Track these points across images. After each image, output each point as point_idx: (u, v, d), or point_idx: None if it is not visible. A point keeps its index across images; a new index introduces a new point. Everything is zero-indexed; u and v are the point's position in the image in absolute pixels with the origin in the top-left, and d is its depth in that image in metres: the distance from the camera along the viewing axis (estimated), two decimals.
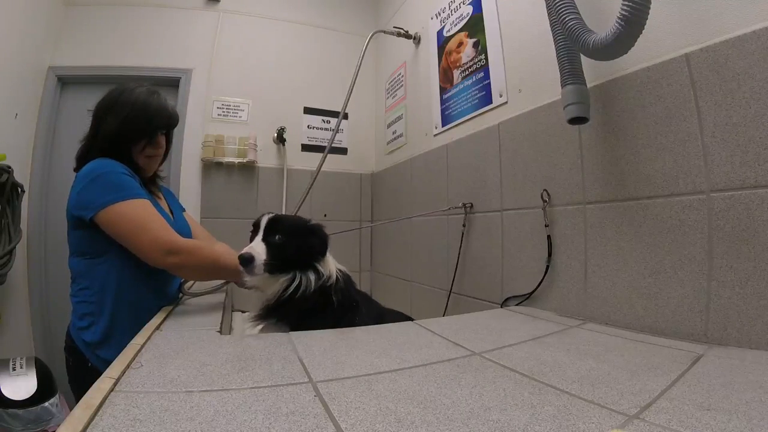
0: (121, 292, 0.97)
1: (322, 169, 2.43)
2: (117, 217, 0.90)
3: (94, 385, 0.49)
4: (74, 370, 0.96)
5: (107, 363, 0.58)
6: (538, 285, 1.13)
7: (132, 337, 0.73)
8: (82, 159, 1.01)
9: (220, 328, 0.89)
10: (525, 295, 1.18)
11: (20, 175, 1.74)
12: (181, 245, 0.94)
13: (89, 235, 0.94)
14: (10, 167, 1.63)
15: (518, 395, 0.50)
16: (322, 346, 0.72)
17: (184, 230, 1.15)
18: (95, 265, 0.97)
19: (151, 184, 1.14)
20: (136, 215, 0.91)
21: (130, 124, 1.01)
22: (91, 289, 0.97)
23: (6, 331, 1.69)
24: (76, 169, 1.00)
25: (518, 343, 0.77)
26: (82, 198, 0.92)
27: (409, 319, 1.08)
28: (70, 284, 1.00)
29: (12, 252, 1.61)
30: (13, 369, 1.21)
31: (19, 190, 1.71)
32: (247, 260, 0.89)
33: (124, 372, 0.55)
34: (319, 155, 2.47)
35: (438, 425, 0.41)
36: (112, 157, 0.98)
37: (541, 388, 0.52)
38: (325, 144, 2.49)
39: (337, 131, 1.93)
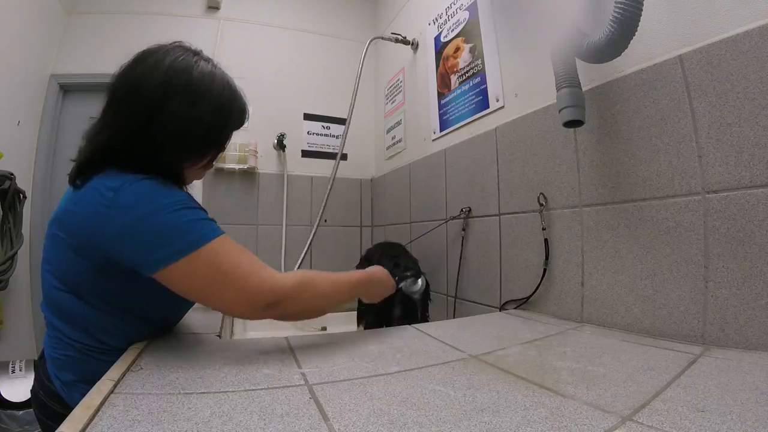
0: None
1: (322, 175, 2.46)
2: (189, 272, 0.61)
3: (94, 386, 0.50)
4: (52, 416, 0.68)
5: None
6: (536, 288, 1.13)
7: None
8: (100, 163, 0.65)
9: (220, 332, 0.90)
10: (523, 298, 1.18)
11: (22, 182, 1.76)
12: (281, 291, 0.66)
13: (121, 283, 0.66)
14: (12, 174, 1.65)
15: (511, 397, 0.50)
16: (319, 350, 0.72)
17: None
18: (109, 315, 0.68)
19: None
20: (215, 264, 0.62)
21: (205, 122, 0.69)
22: (87, 343, 0.68)
23: (8, 335, 1.70)
24: (78, 179, 0.66)
25: (514, 345, 0.77)
26: (135, 243, 0.61)
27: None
28: (54, 324, 0.69)
29: (14, 257, 1.63)
30: (12, 371, 1.22)
31: (21, 196, 1.73)
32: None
33: (124, 374, 0.56)
34: (320, 161, 2.52)
35: (430, 426, 0.41)
36: (155, 171, 0.66)
37: (535, 390, 0.52)
38: (326, 150, 2.51)
39: (345, 138, 1.95)
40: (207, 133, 0.70)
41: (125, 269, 0.63)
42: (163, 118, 0.64)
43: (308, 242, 1.86)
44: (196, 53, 0.72)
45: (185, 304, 0.83)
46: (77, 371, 0.68)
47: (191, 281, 0.62)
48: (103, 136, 0.66)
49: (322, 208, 1.89)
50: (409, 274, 1.13)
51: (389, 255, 1.41)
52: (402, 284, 1.09)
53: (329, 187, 1.89)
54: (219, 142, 0.75)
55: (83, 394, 0.64)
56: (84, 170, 0.66)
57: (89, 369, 0.65)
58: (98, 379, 0.58)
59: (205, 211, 0.67)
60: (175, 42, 0.72)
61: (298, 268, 1.61)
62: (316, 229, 1.84)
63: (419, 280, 1.15)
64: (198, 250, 0.61)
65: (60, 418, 0.40)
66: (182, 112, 0.66)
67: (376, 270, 0.91)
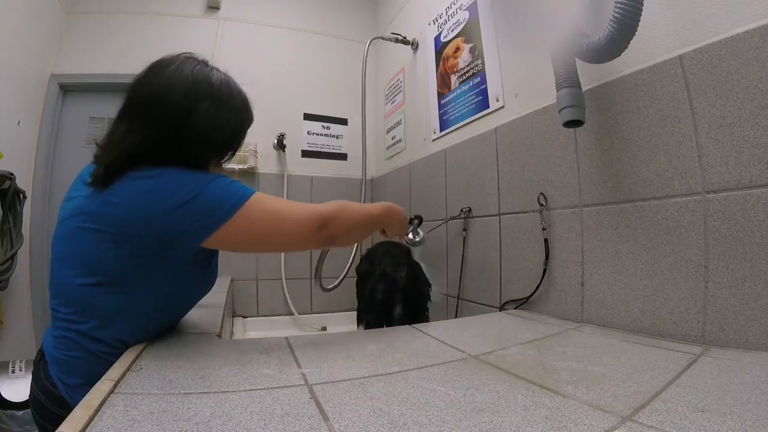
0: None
1: (321, 175, 2.45)
2: (251, 219, 0.69)
3: (94, 386, 0.50)
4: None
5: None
6: (536, 288, 1.13)
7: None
8: (128, 162, 0.68)
9: (220, 332, 0.90)
10: (523, 298, 1.18)
11: (22, 182, 1.76)
12: (325, 213, 0.76)
13: (158, 268, 0.70)
14: (12, 174, 1.64)
15: (512, 397, 0.50)
16: (319, 350, 0.72)
17: None
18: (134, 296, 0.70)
19: None
20: (264, 210, 0.71)
21: (231, 123, 0.77)
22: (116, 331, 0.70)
23: (8, 335, 1.70)
24: (107, 178, 0.67)
25: (514, 345, 0.77)
26: (193, 212, 0.66)
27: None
28: (69, 321, 0.69)
29: (14, 257, 1.63)
30: (12, 371, 1.22)
31: (21, 196, 1.73)
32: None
33: (124, 374, 0.56)
34: (320, 161, 2.52)
35: (430, 426, 0.41)
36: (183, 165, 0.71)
37: (535, 390, 0.52)
38: (326, 150, 2.51)
39: (364, 136, 1.94)
40: (232, 132, 0.79)
41: (165, 254, 0.69)
42: (194, 122, 0.71)
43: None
44: (207, 63, 0.79)
45: (199, 293, 0.87)
46: (85, 374, 0.67)
47: (253, 227, 0.70)
48: (131, 141, 0.69)
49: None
50: (411, 226, 1.33)
51: (390, 255, 1.44)
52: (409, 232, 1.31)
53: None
54: (240, 139, 0.82)
55: None
56: (114, 171, 0.68)
57: (98, 372, 0.64)
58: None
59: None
60: (183, 53, 0.78)
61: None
62: None
63: (421, 233, 1.36)
64: (249, 200, 0.69)
65: (58, 420, 0.40)
66: (211, 115, 0.73)
67: (393, 204, 0.96)
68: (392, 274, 1.32)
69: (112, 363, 0.65)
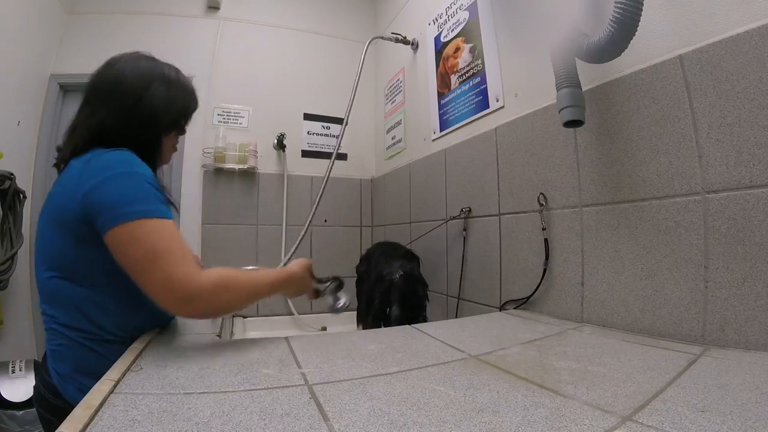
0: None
1: (322, 175, 2.42)
2: (134, 237, 0.65)
3: (94, 386, 0.50)
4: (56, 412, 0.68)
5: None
6: (536, 288, 1.13)
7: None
8: (91, 142, 0.74)
9: (220, 332, 0.90)
10: (523, 298, 1.18)
11: (22, 182, 1.76)
12: (201, 289, 0.66)
13: (103, 254, 0.68)
14: (12, 174, 1.64)
15: (512, 397, 0.50)
16: (319, 350, 0.72)
17: None
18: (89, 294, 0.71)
19: None
20: (155, 239, 0.66)
21: (178, 101, 0.85)
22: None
23: (8, 335, 1.70)
24: (63, 162, 0.75)
25: (514, 345, 0.77)
26: (103, 194, 0.66)
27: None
28: (50, 314, 0.72)
29: (14, 257, 1.63)
30: (12, 371, 1.22)
31: (21, 196, 1.73)
32: None
33: (124, 374, 0.56)
34: (319, 161, 2.51)
35: (430, 427, 0.41)
36: (138, 149, 0.76)
37: (535, 390, 0.52)
38: (326, 150, 2.51)
39: (342, 137, 1.93)
40: (179, 110, 0.87)
41: (102, 244, 0.67)
42: (148, 98, 0.79)
43: (297, 242, 1.80)
44: (154, 58, 0.88)
45: None
46: (71, 361, 0.70)
47: (131, 248, 0.66)
48: (94, 119, 0.76)
49: (314, 209, 1.84)
50: (330, 285, 1.01)
51: (387, 255, 1.45)
52: (324, 296, 1.01)
53: (323, 185, 1.84)
54: (186, 118, 0.90)
55: (78, 387, 0.66)
56: (78, 153, 0.74)
57: (83, 358, 0.69)
58: (92, 370, 0.62)
59: (163, 195, 0.75)
60: (134, 51, 0.87)
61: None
62: (307, 228, 1.80)
63: (342, 298, 1.02)
64: (148, 219, 0.66)
65: (57, 410, 0.40)
66: (162, 91, 0.82)
67: (296, 269, 0.89)
68: (387, 276, 1.33)
69: (95, 351, 0.70)
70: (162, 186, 0.77)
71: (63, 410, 0.47)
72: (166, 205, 0.73)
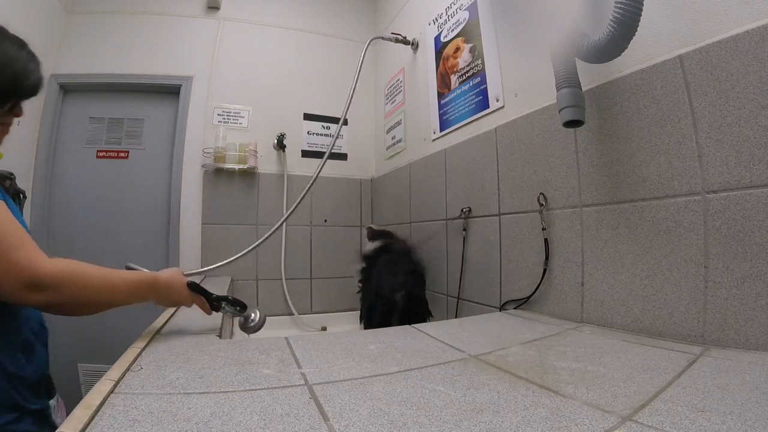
0: None
1: (321, 174, 2.42)
2: None
3: (94, 387, 0.50)
4: None
5: None
6: (536, 288, 1.13)
7: None
8: None
9: (220, 332, 0.90)
10: (523, 298, 1.18)
11: (22, 182, 1.75)
12: (45, 275, 0.61)
13: None
14: (12, 174, 1.64)
15: (511, 397, 0.50)
16: (319, 350, 0.72)
17: None
18: None
19: None
20: None
21: (22, 61, 0.77)
22: None
23: None
24: None
25: (514, 345, 0.77)
26: None
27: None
28: None
29: None
30: None
31: (21, 196, 1.72)
32: None
33: (124, 374, 0.56)
34: (319, 161, 2.50)
35: (430, 427, 0.41)
36: None
37: (534, 390, 0.52)
38: (325, 150, 2.50)
39: (337, 137, 1.92)
40: (16, 72, 0.75)
41: None
42: None
43: (258, 241, 1.54)
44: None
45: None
46: None
47: None
48: None
49: (295, 205, 1.63)
50: (226, 306, 0.89)
51: (393, 264, 1.44)
52: (225, 312, 0.91)
53: (311, 182, 1.68)
54: (24, 80, 0.79)
55: None
56: None
57: None
58: None
59: None
60: None
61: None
62: (278, 227, 1.57)
63: (253, 317, 0.91)
64: None
65: None
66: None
67: (164, 276, 0.81)
68: (389, 295, 1.33)
69: None
70: None
71: None
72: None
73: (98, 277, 0.70)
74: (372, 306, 1.39)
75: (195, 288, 0.85)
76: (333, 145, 1.84)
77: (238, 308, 0.90)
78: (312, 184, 1.67)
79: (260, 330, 0.92)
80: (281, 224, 1.62)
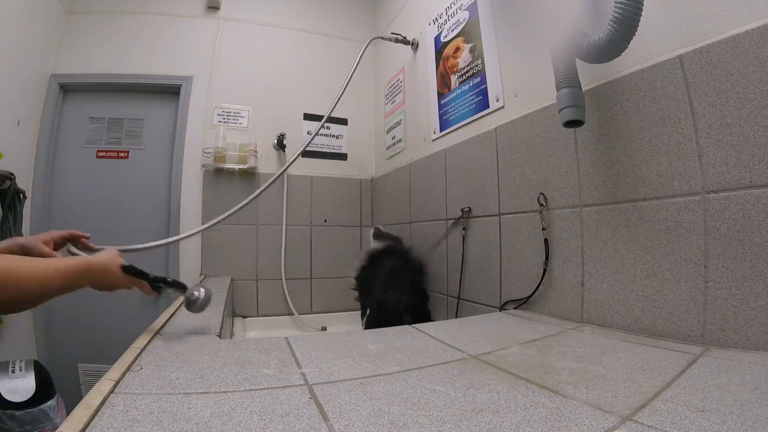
0: None
1: (321, 174, 2.45)
2: None
3: (94, 387, 0.50)
4: None
5: None
6: (536, 288, 1.13)
7: None
8: None
9: (220, 332, 0.90)
10: (523, 298, 1.18)
11: (22, 182, 1.76)
12: None
13: None
14: (12, 174, 1.64)
15: (511, 397, 0.50)
16: (319, 350, 0.72)
17: None
18: None
19: None
20: None
21: None
22: None
23: (8, 335, 1.70)
24: None
25: (514, 345, 0.77)
26: None
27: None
28: None
29: None
30: (12, 371, 1.22)
31: (21, 196, 1.72)
32: None
33: (123, 374, 0.56)
34: (320, 161, 2.51)
35: (430, 426, 0.41)
36: None
37: (535, 390, 0.52)
38: (326, 150, 2.51)
39: (317, 134, 1.84)
40: None
41: None
42: None
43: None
44: None
45: None
46: None
47: None
48: None
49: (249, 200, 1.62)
50: (165, 286, 0.86)
51: (395, 276, 1.47)
52: (164, 292, 0.87)
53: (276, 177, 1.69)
54: None
55: None
56: None
57: None
58: None
59: None
60: None
61: None
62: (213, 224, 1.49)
63: (197, 294, 0.88)
64: None
65: None
66: None
67: (102, 260, 0.77)
68: (392, 309, 1.34)
69: None
70: None
71: None
72: None
73: (24, 274, 0.64)
74: (380, 322, 1.37)
75: (130, 270, 0.81)
76: (311, 140, 1.77)
77: (178, 288, 0.88)
78: (277, 177, 1.63)
79: (206, 308, 0.89)
80: (229, 214, 1.54)
